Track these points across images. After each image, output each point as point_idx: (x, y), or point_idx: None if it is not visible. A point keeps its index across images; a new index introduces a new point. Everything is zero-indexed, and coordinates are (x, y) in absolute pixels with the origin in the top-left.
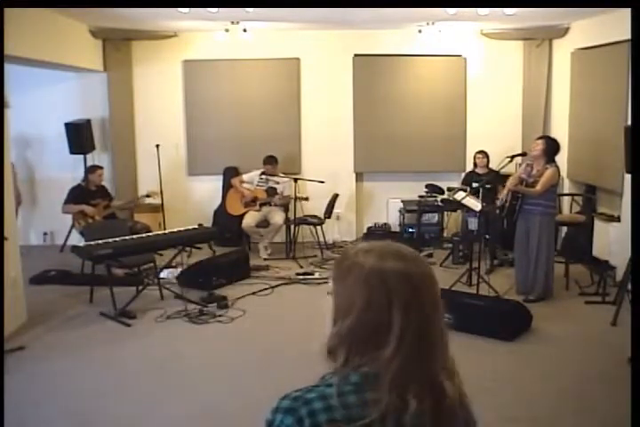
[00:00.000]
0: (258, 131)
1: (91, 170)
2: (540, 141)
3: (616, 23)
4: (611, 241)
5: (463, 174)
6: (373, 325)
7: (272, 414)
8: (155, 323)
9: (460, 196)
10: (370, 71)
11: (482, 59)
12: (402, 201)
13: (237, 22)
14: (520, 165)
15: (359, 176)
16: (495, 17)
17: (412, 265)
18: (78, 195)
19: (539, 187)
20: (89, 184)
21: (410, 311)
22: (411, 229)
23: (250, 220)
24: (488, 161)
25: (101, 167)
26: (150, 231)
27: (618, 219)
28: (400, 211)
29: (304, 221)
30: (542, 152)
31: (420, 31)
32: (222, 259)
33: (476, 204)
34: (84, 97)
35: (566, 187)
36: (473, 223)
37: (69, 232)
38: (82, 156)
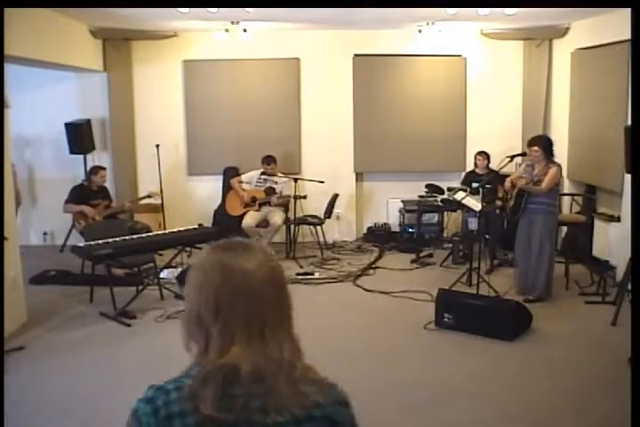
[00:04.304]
0: (258, 131)
1: (93, 171)
2: (535, 148)
3: (616, 23)
4: (611, 241)
5: (463, 174)
6: (199, 317)
7: (137, 402)
8: (155, 323)
9: (460, 196)
10: (370, 71)
11: (482, 59)
12: (402, 201)
13: (237, 22)
14: (520, 165)
15: (359, 176)
16: (495, 17)
17: (238, 259)
18: (79, 194)
19: (544, 185)
20: (91, 184)
21: (223, 305)
22: (411, 229)
23: (250, 220)
24: (488, 162)
25: (104, 168)
26: (150, 231)
27: (618, 219)
28: (400, 211)
29: (304, 221)
30: (542, 155)
31: (420, 31)
32: None
33: (476, 204)
34: (84, 97)
35: (566, 187)
36: (473, 223)
37: (69, 232)
38: (82, 156)
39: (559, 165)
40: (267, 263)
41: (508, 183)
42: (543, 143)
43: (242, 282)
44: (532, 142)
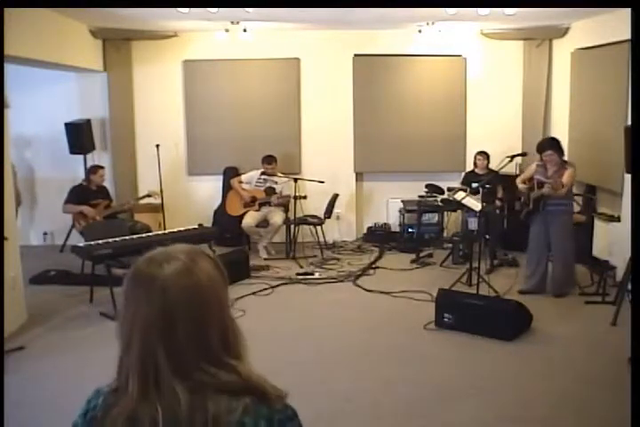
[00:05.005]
0: (258, 131)
1: (92, 170)
2: (549, 152)
3: (616, 23)
4: (611, 241)
5: (463, 174)
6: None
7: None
8: None
9: (460, 196)
10: (370, 71)
11: (482, 59)
12: (402, 201)
13: (237, 22)
14: (520, 165)
15: (359, 176)
16: (495, 17)
17: (159, 269)
18: (79, 194)
19: (564, 188)
20: (90, 184)
21: (138, 320)
22: (411, 229)
23: (250, 220)
24: (488, 162)
25: (102, 167)
26: (150, 231)
27: (618, 219)
28: (400, 211)
29: (304, 221)
30: (557, 157)
31: (420, 31)
32: (222, 259)
33: (476, 204)
34: (84, 97)
35: None
36: (473, 223)
37: (69, 232)
38: (82, 156)
39: (573, 165)
40: (189, 275)
41: (519, 183)
42: (555, 145)
43: (149, 291)
44: (544, 147)
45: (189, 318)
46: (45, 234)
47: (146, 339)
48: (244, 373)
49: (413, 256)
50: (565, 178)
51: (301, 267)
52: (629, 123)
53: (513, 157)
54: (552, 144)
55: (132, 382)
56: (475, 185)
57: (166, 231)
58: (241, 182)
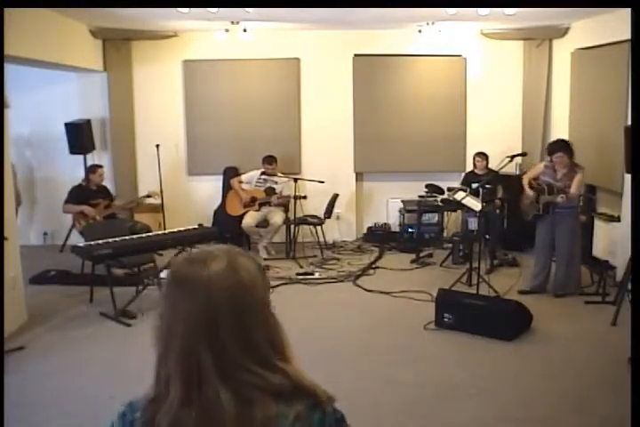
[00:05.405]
0: (258, 131)
1: (91, 169)
2: (559, 153)
3: (616, 23)
4: (611, 241)
5: (463, 175)
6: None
7: (115, 417)
8: None
9: (459, 196)
10: (370, 71)
11: (482, 59)
12: (402, 201)
13: (237, 22)
14: (520, 165)
15: (359, 176)
16: (495, 17)
17: (202, 269)
18: (79, 194)
19: (574, 190)
20: (90, 184)
21: (179, 325)
22: (411, 229)
23: (250, 220)
24: (487, 163)
25: (101, 166)
26: (150, 231)
27: (618, 219)
28: (400, 211)
29: (304, 221)
30: (567, 160)
31: (420, 31)
32: None
33: (476, 204)
34: (84, 97)
35: None
36: (473, 223)
37: (69, 232)
38: (82, 156)
39: (583, 169)
40: (233, 274)
41: (526, 185)
42: (565, 147)
43: (192, 291)
44: (555, 149)
45: (234, 318)
46: (45, 234)
47: (189, 340)
48: (294, 376)
49: (413, 256)
50: (576, 186)
51: (301, 267)
52: (629, 123)
53: (513, 157)
54: (563, 146)
55: (174, 386)
56: (475, 185)
57: (166, 231)
58: (241, 182)
